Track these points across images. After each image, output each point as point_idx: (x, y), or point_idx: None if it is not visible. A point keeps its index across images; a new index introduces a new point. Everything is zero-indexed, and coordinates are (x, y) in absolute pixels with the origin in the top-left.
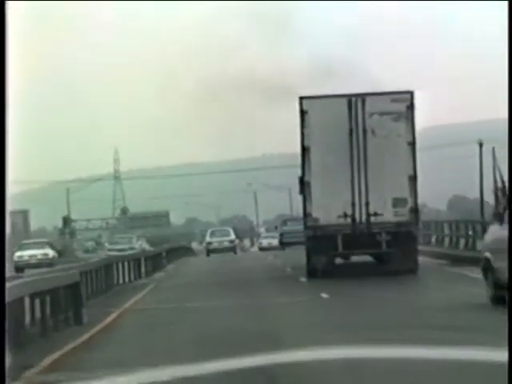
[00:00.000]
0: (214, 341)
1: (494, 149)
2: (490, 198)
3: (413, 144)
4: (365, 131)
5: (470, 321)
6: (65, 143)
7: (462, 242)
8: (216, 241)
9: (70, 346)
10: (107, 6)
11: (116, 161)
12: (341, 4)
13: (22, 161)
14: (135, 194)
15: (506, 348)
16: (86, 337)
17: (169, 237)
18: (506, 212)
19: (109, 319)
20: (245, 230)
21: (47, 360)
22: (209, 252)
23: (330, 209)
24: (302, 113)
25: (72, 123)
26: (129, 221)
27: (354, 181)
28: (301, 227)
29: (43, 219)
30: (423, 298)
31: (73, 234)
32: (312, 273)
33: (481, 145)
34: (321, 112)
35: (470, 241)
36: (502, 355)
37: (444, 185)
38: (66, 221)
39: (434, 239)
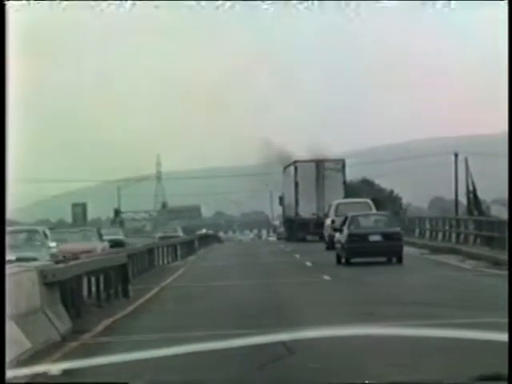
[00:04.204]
0: (238, 312)
1: (466, 159)
2: (463, 199)
3: (344, 183)
4: (323, 177)
5: (447, 299)
6: (117, 149)
7: (440, 234)
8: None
9: (119, 314)
10: (110, 5)
11: (158, 164)
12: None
13: (82, 163)
14: (173, 191)
15: (506, 327)
16: (131, 308)
17: (200, 227)
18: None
19: (150, 294)
20: (262, 223)
21: (101, 326)
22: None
23: (307, 211)
24: (296, 168)
25: (120, 133)
26: (167, 213)
27: (318, 199)
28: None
29: (98, 211)
30: (408, 279)
31: (122, 223)
32: (297, 240)
33: (456, 155)
34: (304, 167)
35: (447, 234)
36: (501, 335)
37: (426, 188)
38: (117, 212)
39: (417, 232)
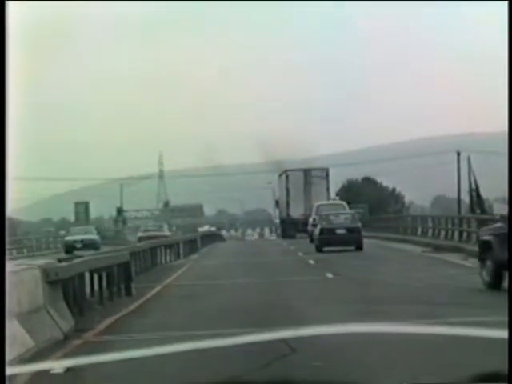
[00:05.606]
0: (241, 310)
1: (469, 157)
2: (465, 198)
3: (328, 189)
4: (310, 183)
5: (449, 297)
6: (119, 148)
7: (443, 233)
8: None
9: (122, 313)
10: (108, 4)
11: (160, 163)
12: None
13: (84, 161)
14: (176, 189)
15: (506, 323)
16: (134, 306)
17: (202, 225)
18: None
19: (153, 292)
20: (265, 221)
21: (103, 324)
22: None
23: (297, 211)
24: (287, 176)
25: (123, 132)
26: (170, 212)
27: (306, 202)
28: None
29: (101, 210)
30: (410, 278)
31: (124, 222)
32: (287, 236)
33: (458, 154)
34: (294, 175)
35: (449, 232)
36: (501, 332)
37: (428, 186)
38: (119, 211)
39: (419, 231)
